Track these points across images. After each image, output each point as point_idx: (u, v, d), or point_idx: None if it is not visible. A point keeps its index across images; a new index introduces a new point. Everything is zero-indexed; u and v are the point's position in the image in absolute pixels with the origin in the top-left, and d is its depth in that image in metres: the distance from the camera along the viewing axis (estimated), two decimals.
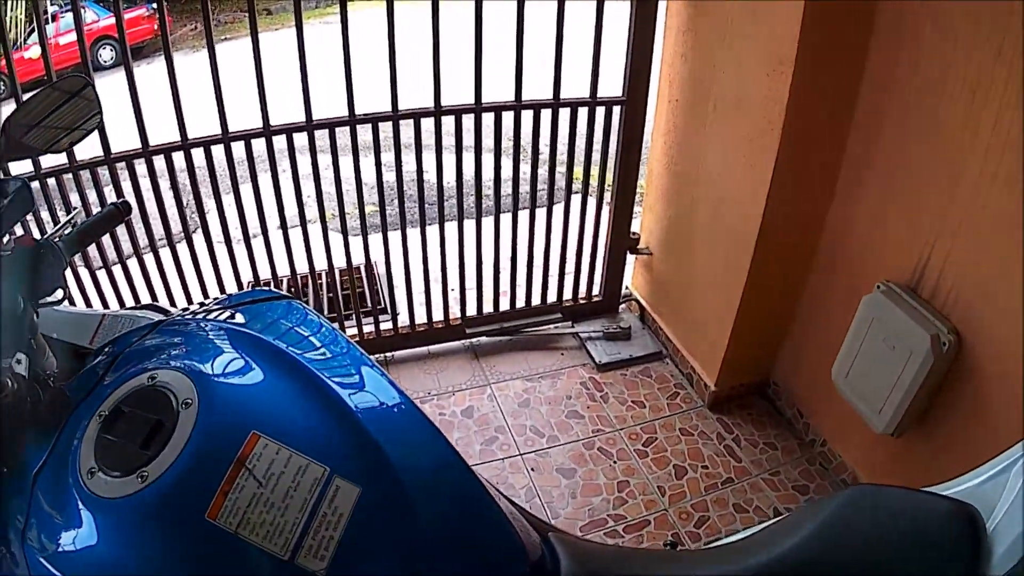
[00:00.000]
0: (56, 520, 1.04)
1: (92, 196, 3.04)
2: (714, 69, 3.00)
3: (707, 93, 3.07)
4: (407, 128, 3.21)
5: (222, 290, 3.60)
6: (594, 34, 3.19)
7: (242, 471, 1.01)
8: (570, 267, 3.99)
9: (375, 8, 3.35)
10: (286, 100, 3.35)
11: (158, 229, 3.27)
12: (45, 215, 3.04)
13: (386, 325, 4.01)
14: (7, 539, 1.09)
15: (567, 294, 4.13)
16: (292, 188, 3.26)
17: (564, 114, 3.38)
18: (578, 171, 3.62)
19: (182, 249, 3.38)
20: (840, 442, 3.10)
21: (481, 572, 1.16)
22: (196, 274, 3.49)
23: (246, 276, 3.63)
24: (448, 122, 3.26)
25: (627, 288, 4.21)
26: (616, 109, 3.43)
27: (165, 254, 3.36)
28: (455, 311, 4.00)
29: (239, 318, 1.36)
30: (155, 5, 3.14)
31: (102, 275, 3.33)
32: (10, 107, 1.69)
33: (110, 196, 2.85)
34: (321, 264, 3.68)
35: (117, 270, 3.34)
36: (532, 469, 3.21)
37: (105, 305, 3.40)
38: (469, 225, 3.62)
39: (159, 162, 3.03)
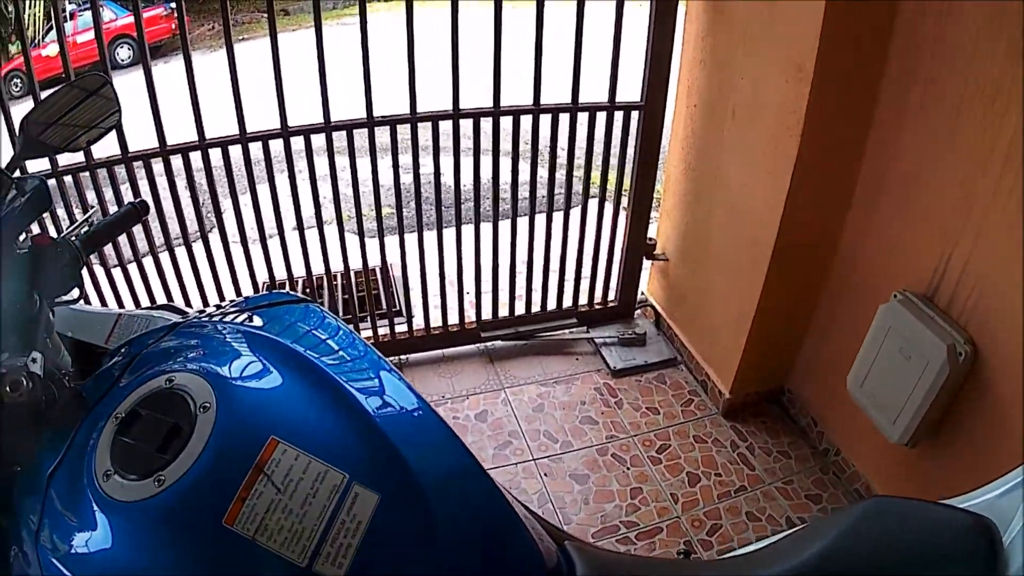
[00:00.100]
0: (70, 521, 1.04)
1: (108, 194, 3.05)
2: (733, 75, 2.99)
3: (726, 99, 3.06)
4: (425, 130, 3.21)
5: (237, 290, 3.60)
6: (613, 38, 3.17)
7: (260, 477, 1.01)
8: (586, 272, 3.98)
9: (391, 11, 3.36)
10: (302, 100, 3.35)
11: (174, 228, 3.27)
12: (60, 212, 3.04)
13: (401, 328, 4.01)
14: (20, 538, 1.09)
15: (582, 299, 4.12)
16: (309, 189, 3.27)
17: (582, 118, 3.37)
18: (595, 176, 3.62)
19: (198, 248, 3.38)
20: (854, 451, 3.08)
21: None
22: (212, 274, 3.49)
23: (261, 276, 3.63)
24: (466, 125, 3.25)
25: (643, 294, 4.20)
26: (634, 114, 3.42)
27: (181, 253, 3.36)
28: (470, 315, 3.99)
29: (256, 321, 1.36)
30: (173, 5, 3.14)
31: (117, 273, 3.34)
32: (28, 105, 1.69)
33: (127, 194, 2.87)
34: (337, 265, 3.68)
35: (132, 268, 3.34)
36: (545, 474, 3.21)
37: (120, 303, 3.41)
38: (485, 228, 3.61)
39: (176, 161, 3.04)
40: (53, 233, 2.81)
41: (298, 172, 3.20)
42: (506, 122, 3.28)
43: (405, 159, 3.29)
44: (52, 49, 11.97)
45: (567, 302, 4.08)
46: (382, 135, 3.16)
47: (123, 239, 2.10)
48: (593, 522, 3.00)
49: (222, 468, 1.02)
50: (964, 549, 1.14)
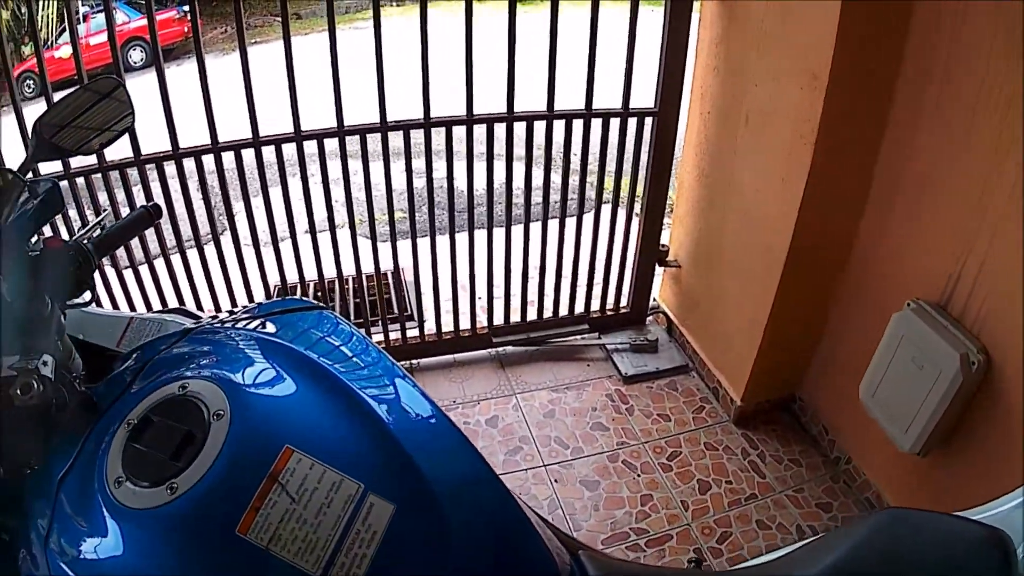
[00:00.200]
0: (80, 526, 1.03)
1: (120, 196, 3.05)
2: (747, 82, 2.98)
3: (739, 106, 3.05)
4: (438, 135, 3.21)
5: (249, 293, 3.60)
6: (627, 45, 3.17)
7: (275, 486, 1.00)
8: (598, 278, 3.98)
9: (404, 16, 3.36)
10: (315, 105, 3.35)
11: (186, 231, 3.27)
12: (72, 214, 3.04)
13: (412, 332, 4.00)
14: (29, 540, 1.08)
15: (594, 305, 4.11)
16: (322, 192, 3.26)
17: (596, 124, 3.37)
18: (608, 182, 3.61)
19: (210, 251, 3.39)
20: (865, 460, 3.06)
21: None
22: (223, 277, 3.49)
23: (273, 280, 3.63)
24: (479, 130, 3.25)
25: (655, 300, 4.19)
26: (648, 120, 3.42)
27: (193, 256, 3.37)
28: (482, 320, 4.00)
29: (270, 327, 1.35)
30: (186, 8, 3.15)
31: (129, 275, 3.34)
32: (40, 107, 1.70)
33: (139, 197, 2.88)
34: (349, 269, 3.68)
35: (144, 271, 3.35)
36: (555, 480, 3.20)
37: (131, 306, 3.41)
38: (498, 233, 3.60)
39: (188, 164, 3.04)
40: (65, 236, 2.82)
41: (311, 176, 3.20)
42: (519, 127, 3.28)
43: (418, 164, 3.28)
44: (65, 51, 12.04)
45: (579, 308, 4.08)
46: (395, 139, 3.16)
47: (135, 241, 2.11)
48: (603, 528, 2.99)
49: (236, 477, 1.01)
50: (978, 561, 1.14)
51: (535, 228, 3.62)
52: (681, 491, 3.15)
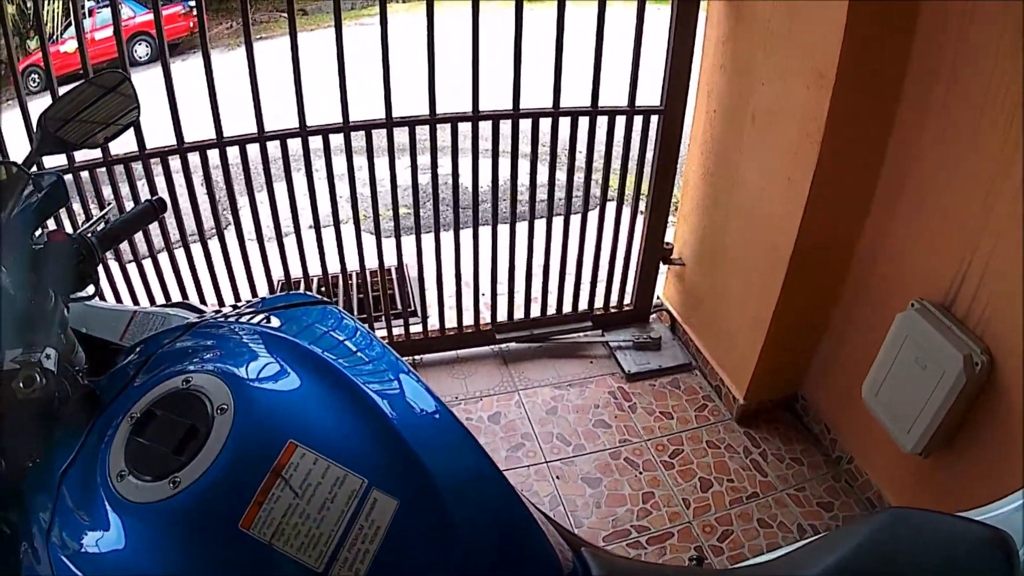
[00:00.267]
0: (82, 520, 1.03)
1: (124, 190, 3.05)
2: (753, 81, 2.98)
3: (745, 105, 3.05)
4: (443, 131, 3.21)
5: (252, 288, 3.61)
6: (634, 43, 3.17)
7: (278, 481, 1.00)
8: (602, 275, 3.98)
9: (410, 12, 3.36)
10: (320, 100, 3.35)
11: (190, 224, 3.27)
12: (76, 207, 3.05)
13: (416, 328, 4.01)
14: (31, 534, 1.08)
15: (598, 302, 4.12)
16: (326, 187, 3.27)
17: (601, 122, 3.37)
18: (613, 179, 3.61)
19: (214, 245, 3.39)
20: (867, 460, 3.06)
21: None
22: (227, 271, 3.49)
23: (277, 274, 3.63)
24: (485, 127, 3.25)
25: (658, 298, 4.19)
26: (654, 118, 3.41)
27: (196, 250, 3.36)
28: (485, 316, 4.00)
29: (274, 322, 1.35)
30: (192, 3, 3.16)
31: (132, 269, 3.35)
32: (45, 100, 1.70)
33: (143, 191, 2.88)
34: (353, 264, 3.67)
35: (148, 264, 3.35)
36: (557, 477, 3.20)
37: (135, 300, 3.42)
38: (502, 230, 3.60)
39: (193, 158, 3.05)
40: (69, 229, 2.82)
41: (315, 171, 3.21)
42: (525, 124, 3.27)
43: (423, 160, 3.29)
44: (70, 45, 12.04)
45: (583, 305, 4.08)
46: (400, 135, 3.16)
47: (139, 235, 2.11)
48: (604, 526, 2.99)
49: (239, 471, 1.01)
50: (981, 562, 1.14)
51: (540, 225, 3.62)
52: (683, 489, 3.15)
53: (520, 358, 3.94)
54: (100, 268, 1.43)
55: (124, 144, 2.41)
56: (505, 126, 3.27)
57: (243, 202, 3.37)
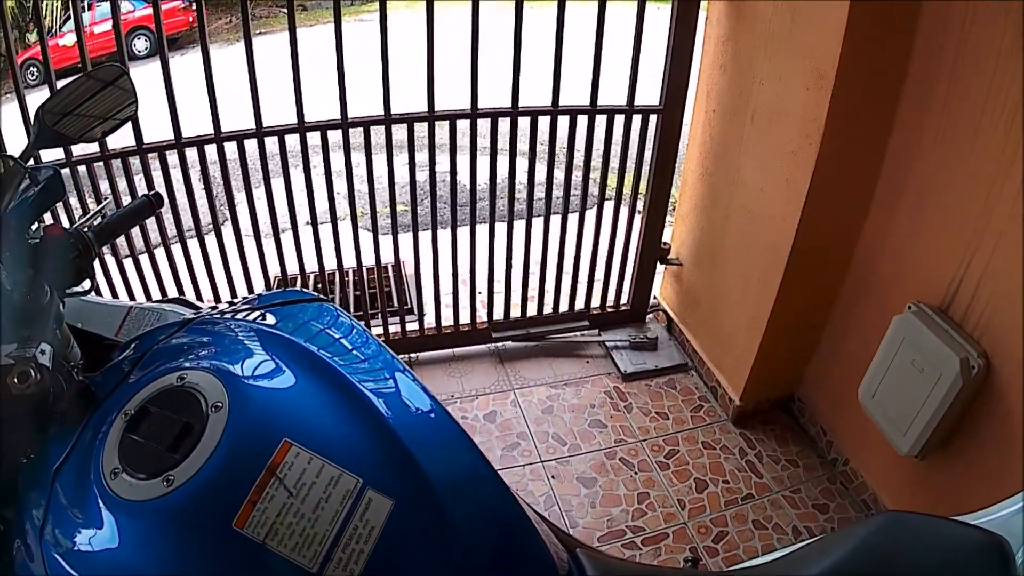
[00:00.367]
0: (76, 518, 1.02)
1: (122, 184, 3.05)
2: (753, 81, 2.97)
3: (745, 105, 3.05)
4: (442, 128, 3.21)
5: (249, 284, 3.61)
6: (633, 41, 3.17)
7: (272, 480, 0.99)
8: (599, 275, 3.98)
9: (410, 9, 3.36)
10: (319, 96, 3.35)
11: (187, 220, 3.27)
12: (73, 202, 3.04)
13: (412, 326, 4.01)
14: (24, 531, 1.08)
15: (595, 302, 4.11)
16: (324, 184, 3.26)
17: (600, 121, 3.37)
18: (611, 178, 3.61)
19: (210, 241, 3.38)
20: (862, 462, 3.06)
21: None
22: (223, 267, 3.49)
23: (273, 271, 3.63)
24: (483, 124, 3.24)
25: (655, 298, 4.19)
26: (653, 117, 3.41)
27: (193, 246, 3.36)
28: (482, 314, 4.00)
29: (269, 319, 1.35)
30: None
31: (128, 264, 3.34)
32: (44, 94, 1.69)
33: (140, 186, 2.88)
34: (350, 261, 3.67)
35: (144, 259, 3.35)
36: (552, 477, 3.20)
37: (131, 294, 3.41)
38: (500, 228, 3.60)
39: (190, 153, 3.05)
40: (66, 223, 2.81)
41: (313, 167, 3.20)
42: (524, 122, 3.27)
43: (421, 157, 3.29)
44: (69, 39, 12.05)
45: (579, 304, 4.08)
46: (399, 132, 3.16)
47: (135, 230, 2.11)
48: (599, 526, 2.99)
49: (234, 470, 1.01)
50: (978, 567, 1.14)
51: (537, 223, 3.62)
52: (678, 490, 3.15)
53: (516, 357, 3.94)
54: (96, 263, 1.43)
55: (122, 139, 2.40)
56: (504, 124, 3.26)
57: (240, 198, 3.37)
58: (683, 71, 3.28)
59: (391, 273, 4.62)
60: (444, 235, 3.58)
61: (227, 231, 3.41)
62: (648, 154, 3.54)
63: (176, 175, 3.08)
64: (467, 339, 3.98)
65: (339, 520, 0.99)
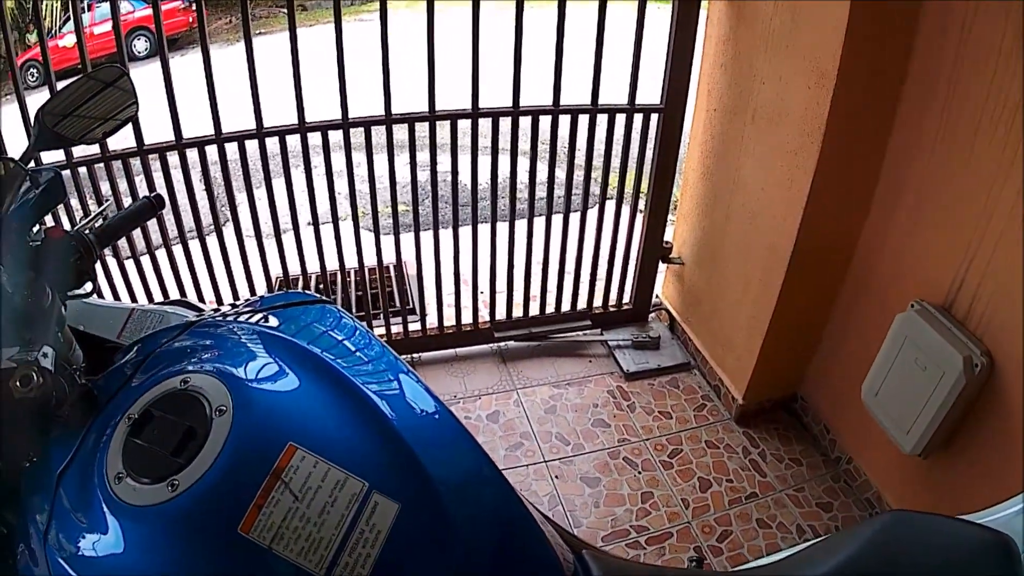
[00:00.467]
0: (80, 522, 1.02)
1: (123, 186, 3.05)
2: (754, 80, 2.97)
3: (746, 104, 3.04)
4: (443, 128, 3.21)
5: (250, 285, 3.60)
6: (634, 41, 3.16)
7: (278, 484, 0.99)
8: (601, 274, 3.97)
9: (410, 9, 3.35)
10: (320, 96, 3.35)
11: (188, 221, 3.26)
12: (74, 203, 3.04)
13: (414, 326, 4.00)
14: (28, 535, 1.07)
15: (597, 301, 4.11)
16: (325, 184, 3.26)
17: (601, 120, 3.36)
18: (613, 178, 3.61)
19: (212, 242, 3.38)
20: (866, 461, 3.06)
21: None
22: (225, 268, 3.49)
23: (275, 272, 3.63)
24: (485, 124, 3.24)
25: (657, 297, 4.19)
26: (654, 117, 3.41)
27: (195, 247, 3.36)
28: (484, 314, 3.99)
29: (272, 321, 1.34)
30: None
31: (130, 266, 3.34)
32: (44, 95, 1.69)
33: (141, 187, 2.88)
34: (351, 262, 3.67)
35: (145, 261, 3.34)
36: (556, 477, 3.20)
37: (132, 296, 3.41)
38: (502, 228, 3.60)
39: (191, 154, 3.04)
40: (67, 225, 2.81)
41: (314, 168, 3.20)
42: (524, 122, 3.26)
43: (422, 157, 3.28)
44: (69, 40, 12.06)
45: (581, 304, 4.08)
46: (400, 132, 3.15)
47: (137, 232, 2.11)
48: (603, 526, 2.99)
49: (238, 474, 1.00)
50: (983, 566, 1.13)
51: (539, 223, 3.62)
52: (682, 489, 3.15)
53: (519, 357, 3.94)
54: (98, 265, 1.42)
55: (122, 140, 2.40)
56: (505, 123, 3.26)
57: (241, 199, 3.36)
58: (684, 71, 3.28)
59: (393, 273, 4.61)
60: (446, 235, 3.58)
61: (228, 231, 3.41)
62: (649, 153, 3.54)
63: (177, 176, 3.08)
64: (469, 339, 3.98)
65: (345, 524, 0.98)
